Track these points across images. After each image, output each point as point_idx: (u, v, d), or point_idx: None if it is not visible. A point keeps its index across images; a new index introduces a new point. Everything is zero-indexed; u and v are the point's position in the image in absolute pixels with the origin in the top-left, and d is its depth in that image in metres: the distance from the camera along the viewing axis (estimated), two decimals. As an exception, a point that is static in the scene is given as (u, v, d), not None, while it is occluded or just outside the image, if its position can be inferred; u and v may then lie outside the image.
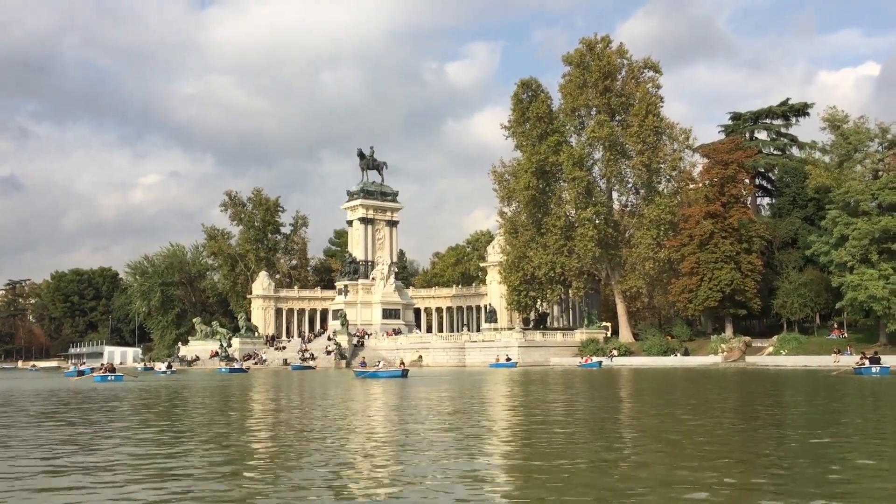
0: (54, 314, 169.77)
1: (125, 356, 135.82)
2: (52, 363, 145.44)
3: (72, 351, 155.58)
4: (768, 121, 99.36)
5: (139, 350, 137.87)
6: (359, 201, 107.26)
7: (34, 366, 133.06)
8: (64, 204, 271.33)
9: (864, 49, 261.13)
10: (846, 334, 71.67)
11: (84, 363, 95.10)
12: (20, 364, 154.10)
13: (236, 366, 79.14)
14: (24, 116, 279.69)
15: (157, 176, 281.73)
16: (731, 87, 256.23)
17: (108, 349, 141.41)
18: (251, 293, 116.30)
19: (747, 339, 72.30)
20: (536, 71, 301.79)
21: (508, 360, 73.01)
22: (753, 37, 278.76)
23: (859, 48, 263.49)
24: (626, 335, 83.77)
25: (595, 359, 72.35)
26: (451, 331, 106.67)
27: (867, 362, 48.12)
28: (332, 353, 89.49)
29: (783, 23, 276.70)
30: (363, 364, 57.46)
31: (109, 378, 51.77)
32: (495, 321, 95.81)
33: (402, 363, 54.26)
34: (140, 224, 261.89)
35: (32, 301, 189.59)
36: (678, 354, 74.11)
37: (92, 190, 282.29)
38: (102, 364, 67.23)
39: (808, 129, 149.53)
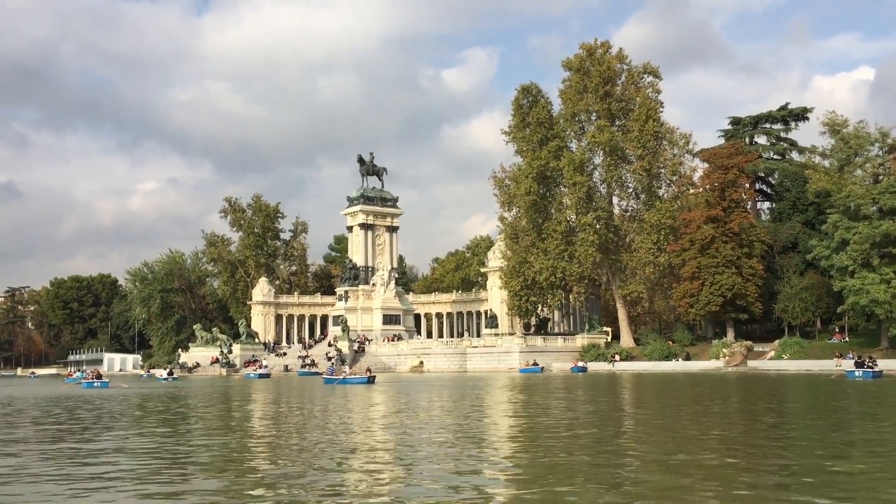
0: (53, 321, 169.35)
1: (125, 363, 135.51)
2: (52, 370, 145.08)
3: (71, 358, 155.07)
4: (768, 125, 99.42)
5: (139, 357, 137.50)
6: (359, 207, 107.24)
7: (33, 373, 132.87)
8: (62, 210, 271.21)
9: (859, 54, 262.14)
10: (847, 338, 71.62)
11: (81, 370, 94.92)
12: (19, 371, 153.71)
13: (262, 371, 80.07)
14: (22, 124, 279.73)
15: (155, 182, 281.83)
16: (726, 93, 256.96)
17: (107, 356, 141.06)
18: (251, 299, 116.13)
19: (749, 343, 72.11)
20: (533, 76, 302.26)
21: (535, 364, 73.14)
22: (749, 42, 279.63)
23: (854, 53, 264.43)
24: (626, 340, 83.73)
25: (580, 364, 74.12)
26: (452, 336, 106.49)
27: (861, 366, 49.23)
28: (333, 359, 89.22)
29: (778, 28, 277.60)
30: (331, 371, 59.28)
31: (95, 384, 56.45)
32: (496, 326, 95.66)
33: (369, 370, 55.91)
34: (138, 231, 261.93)
35: (31, 308, 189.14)
36: (680, 359, 74.09)
37: (90, 197, 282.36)
38: (91, 370, 72.45)
39: (807, 134, 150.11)
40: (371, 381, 49.84)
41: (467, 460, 13.25)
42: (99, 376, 61.36)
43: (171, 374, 75.20)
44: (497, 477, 11.72)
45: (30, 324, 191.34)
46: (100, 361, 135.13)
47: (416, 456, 14.07)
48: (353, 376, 53.16)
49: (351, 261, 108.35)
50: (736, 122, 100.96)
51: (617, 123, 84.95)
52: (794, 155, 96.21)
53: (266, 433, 19.51)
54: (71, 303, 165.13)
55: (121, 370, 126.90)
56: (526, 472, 12.13)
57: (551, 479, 11.27)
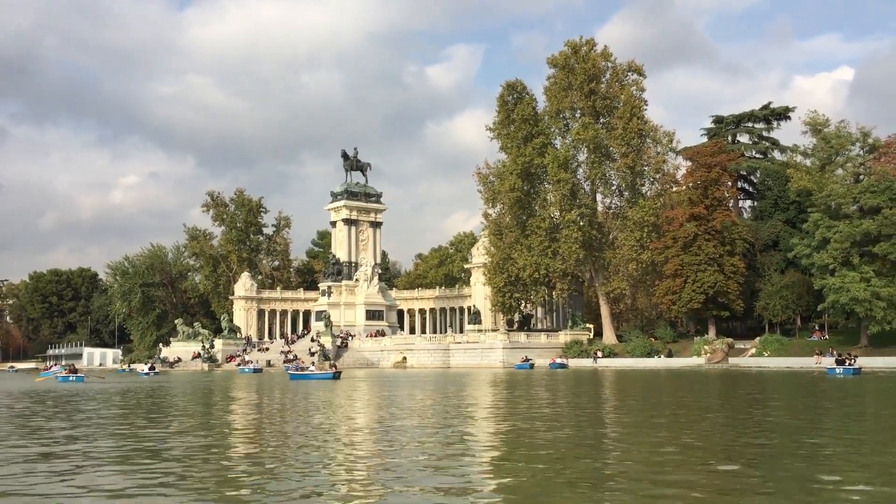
0: (32, 315, 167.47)
1: (105, 357, 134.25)
2: (31, 364, 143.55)
3: (50, 352, 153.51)
4: (750, 124, 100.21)
5: (119, 351, 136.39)
6: (343, 202, 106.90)
7: (12, 367, 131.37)
8: (41, 204, 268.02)
9: (840, 54, 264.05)
10: (827, 336, 72.34)
11: (62, 364, 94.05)
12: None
13: (255, 366, 79.55)
14: (2, 117, 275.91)
15: (137, 177, 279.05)
16: (709, 92, 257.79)
17: (87, 350, 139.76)
18: (233, 294, 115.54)
19: (730, 340, 72.84)
20: (517, 74, 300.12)
21: (527, 360, 73.42)
22: (732, 42, 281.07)
23: (835, 53, 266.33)
24: (609, 337, 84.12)
25: (560, 360, 74.15)
26: (435, 332, 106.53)
27: (843, 364, 49.83)
28: (316, 355, 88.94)
29: (761, 28, 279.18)
30: (297, 367, 59.46)
31: (71, 379, 55.73)
32: (479, 322, 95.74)
33: (335, 366, 56.23)
34: (119, 224, 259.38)
35: (10, 301, 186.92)
36: (662, 356, 74.55)
37: (70, 190, 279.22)
38: (66, 365, 71.37)
39: (789, 133, 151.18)
40: (336, 376, 50.60)
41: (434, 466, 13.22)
42: (74, 371, 60.49)
43: (152, 368, 74.58)
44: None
45: (8, 317, 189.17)
46: (79, 356, 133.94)
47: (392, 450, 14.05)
48: (317, 372, 53.73)
49: (334, 256, 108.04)
50: (719, 120, 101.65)
51: (601, 121, 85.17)
52: (776, 154, 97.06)
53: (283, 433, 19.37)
54: (50, 296, 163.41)
55: (100, 365, 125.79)
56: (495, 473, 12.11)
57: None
